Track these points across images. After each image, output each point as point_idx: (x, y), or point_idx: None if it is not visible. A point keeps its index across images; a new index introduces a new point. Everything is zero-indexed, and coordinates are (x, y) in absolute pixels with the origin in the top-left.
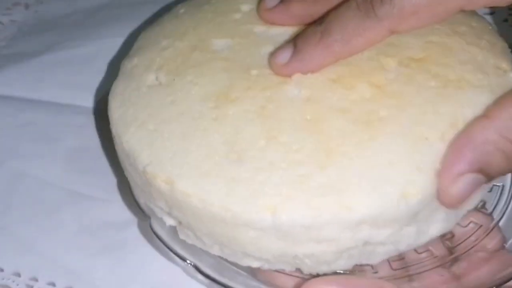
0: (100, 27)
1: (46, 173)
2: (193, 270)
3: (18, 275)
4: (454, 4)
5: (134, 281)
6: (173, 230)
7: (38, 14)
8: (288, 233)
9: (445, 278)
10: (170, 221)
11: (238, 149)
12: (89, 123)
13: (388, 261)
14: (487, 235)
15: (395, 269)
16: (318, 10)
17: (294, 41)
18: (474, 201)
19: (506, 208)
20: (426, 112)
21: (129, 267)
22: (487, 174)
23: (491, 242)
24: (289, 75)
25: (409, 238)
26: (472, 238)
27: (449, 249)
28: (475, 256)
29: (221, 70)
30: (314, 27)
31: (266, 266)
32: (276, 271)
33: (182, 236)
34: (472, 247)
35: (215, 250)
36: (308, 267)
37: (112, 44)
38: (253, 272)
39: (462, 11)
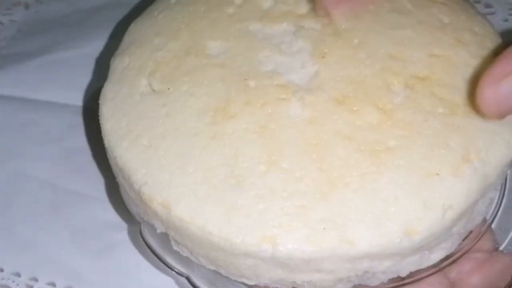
0: (99, 28)
1: (46, 173)
2: (185, 282)
3: (18, 275)
4: None
5: (134, 281)
6: (165, 236)
7: (38, 14)
8: (287, 264)
9: (444, 286)
10: (162, 229)
11: (238, 173)
12: (89, 123)
13: None
14: (481, 237)
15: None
16: None
17: None
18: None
19: (497, 211)
20: (437, 145)
21: (129, 266)
22: None
23: (486, 244)
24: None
25: (410, 265)
26: (466, 241)
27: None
28: (473, 258)
29: (218, 79)
30: None
31: (262, 284)
32: None
33: (175, 248)
34: (469, 249)
35: (211, 267)
36: None
37: (112, 44)
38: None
39: (465, 11)
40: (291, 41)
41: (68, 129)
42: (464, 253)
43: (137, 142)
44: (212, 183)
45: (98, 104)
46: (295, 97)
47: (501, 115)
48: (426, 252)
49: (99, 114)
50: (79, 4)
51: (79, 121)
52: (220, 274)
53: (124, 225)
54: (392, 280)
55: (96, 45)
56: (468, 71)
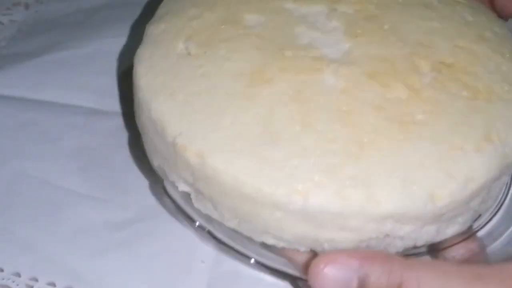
0: (100, 27)
1: (46, 173)
2: (206, 235)
3: (18, 275)
4: None
5: (134, 281)
6: (186, 196)
7: (38, 14)
8: (315, 218)
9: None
10: (184, 188)
11: (273, 130)
12: (89, 123)
13: None
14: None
15: None
16: None
17: None
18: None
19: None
20: (461, 123)
21: (128, 266)
22: None
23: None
24: None
25: (427, 235)
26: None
27: None
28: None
29: (254, 48)
30: None
31: (281, 245)
32: None
33: (197, 205)
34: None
35: (232, 224)
36: (324, 250)
37: (112, 44)
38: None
39: (485, 14)
40: (325, 21)
41: (68, 129)
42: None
43: (172, 97)
44: (247, 137)
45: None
46: (329, 69)
47: None
48: (443, 225)
49: (133, 72)
50: (79, 4)
51: (79, 121)
52: (239, 234)
53: (124, 225)
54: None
55: (96, 45)
56: (489, 64)
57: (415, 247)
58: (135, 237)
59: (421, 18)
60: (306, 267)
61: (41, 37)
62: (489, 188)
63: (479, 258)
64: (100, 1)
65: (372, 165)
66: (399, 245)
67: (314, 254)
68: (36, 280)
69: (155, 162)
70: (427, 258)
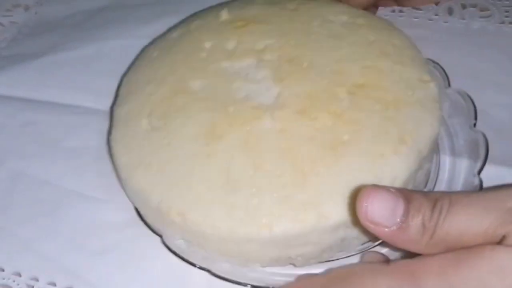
0: (99, 29)
1: (46, 173)
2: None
3: (19, 275)
4: None
5: (134, 281)
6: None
7: (38, 16)
8: (282, 242)
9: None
10: (177, 239)
11: (232, 179)
12: (89, 123)
13: None
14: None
15: None
16: None
17: None
18: None
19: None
20: (379, 134)
21: (128, 266)
22: None
23: None
24: None
25: None
26: None
27: None
28: None
29: (203, 110)
30: None
31: (265, 265)
32: None
33: (191, 251)
34: None
35: (222, 260)
36: (300, 263)
37: (112, 45)
38: None
39: (386, 27)
40: (255, 72)
41: (68, 129)
42: None
43: (148, 170)
44: (214, 189)
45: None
46: (266, 115)
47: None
48: None
49: (111, 153)
50: (79, 5)
51: (79, 122)
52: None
53: (124, 226)
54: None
55: (96, 47)
56: (393, 75)
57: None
58: (135, 237)
59: (332, 49)
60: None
61: (41, 38)
62: (414, 179)
63: None
64: (100, 2)
65: (316, 188)
66: (356, 243)
67: None
68: (37, 279)
69: (149, 220)
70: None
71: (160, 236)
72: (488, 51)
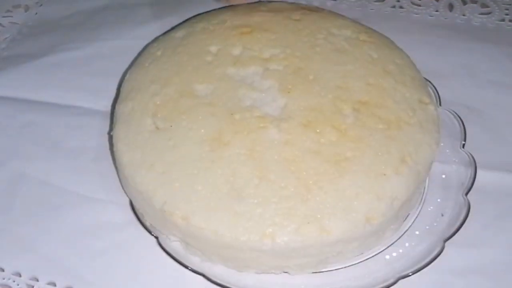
0: (100, 29)
1: (47, 173)
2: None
3: (19, 275)
4: None
5: (134, 281)
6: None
7: (38, 16)
8: (282, 253)
9: None
10: (175, 240)
11: (237, 187)
12: (89, 123)
13: None
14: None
15: None
16: None
17: None
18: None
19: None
20: (381, 153)
21: (128, 267)
22: None
23: None
24: None
25: (370, 245)
26: None
27: None
28: None
29: (209, 115)
30: None
31: (260, 272)
32: None
33: (188, 252)
34: None
35: (219, 263)
36: (294, 271)
37: (112, 45)
38: None
39: (388, 45)
40: (261, 81)
41: (68, 130)
42: None
43: (152, 170)
44: (218, 196)
45: None
46: (272, 125)
47: None
48: (380, 233)
49: (114, 150)
50: (79, 6)
51: (79, 122)
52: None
53: (124, 226)
54: None
55: (96, 47)
56: (396, 95)
57: None
58: (135, 238)
59: (337, 64)
60: None
61: (41, 39)
62: (411, 199)
63: None
64: (99, 3)
65: (319, 203)
66: (350, 256)
67: None
68: (37, 280)
69: (147, 221)
70: None
71: (156, 237)
72: (487, 49)
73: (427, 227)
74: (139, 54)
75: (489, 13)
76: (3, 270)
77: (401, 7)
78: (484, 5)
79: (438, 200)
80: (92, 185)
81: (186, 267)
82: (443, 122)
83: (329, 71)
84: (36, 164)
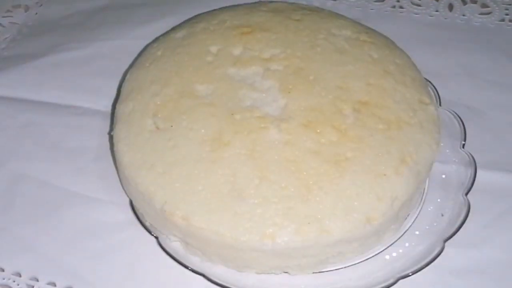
0: (99, 29)
1: (46, 173)
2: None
3: (19, 275)
4: None
5: (133, 281)
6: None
7: (38, 16)
8: (282, 253)
9: None
10: (175, 240)
11: (238, 187)
12: (89, 123)
13: None
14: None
15: None
16: None
17: None
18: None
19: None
20: (381, 153)
21: (128, 267)
22: None
23: None
24: None
25: (371, 245)
26: None
27: None
28: None
29: (209, 115)
30: None
31: (260, 272)
32: None
33: (188, 252)
34: None
35: (219, 263)
36: (295, 272)
37: (112, 45)
38: None
39: (388, 45)
40: (261, 81)
41: (67, 129)
42: None
43: (153, 170)
44: (219, 196)
45: None
46: (272, 125)
47: None
48: (381, 233)
49: (115, 150)
50: (79, 6)
51: (78, 122)
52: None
53: (124, 226)
54: None
55: (95, 47)
56: (396, 95)
57: None
58: (135, 238)
59: (337, 64)
60: None
61: (41, 39)
62: (411, 199)
63: None
64: (99, 3)
65: (319, 203)
66: (350, 256)
67: None
68: (37, 280)
69: (147, 221)
70: None
71: (156, 237)
72: (487, 49)
73: (427, 227)
74: (140, 54)
75: (489, 13)
76: (3, 270)
77: (401, 7)
78: (484, 5)
79: (438, 200)
80: (92, 185)
81: (186, 267)
82: (443, 122)
83: (329, 71)
84: (36, 164)
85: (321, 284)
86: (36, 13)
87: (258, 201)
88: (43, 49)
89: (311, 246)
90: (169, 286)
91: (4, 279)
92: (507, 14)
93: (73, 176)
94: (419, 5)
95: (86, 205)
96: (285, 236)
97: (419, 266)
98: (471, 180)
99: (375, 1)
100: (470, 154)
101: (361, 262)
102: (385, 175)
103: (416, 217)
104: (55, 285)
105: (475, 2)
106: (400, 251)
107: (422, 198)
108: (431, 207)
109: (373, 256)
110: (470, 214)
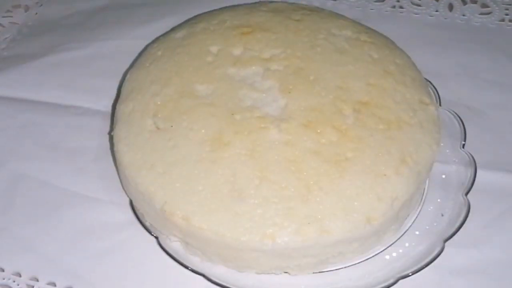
0: (99, 29)
1: (46, 173)
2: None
3: (19, 275)
4: None
5: (134, 281)
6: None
7: (38, 16)
8: (282, 253)
9: None
10: (175, 240)
11: (238, 188)
12: (89, 123)
13: None
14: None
15: None
16: None
17: None
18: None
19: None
20: (381, 153)
21: (128, 267)
22: None
23: None
24: None
25: (371, 245)
26: None
27: None
28: None
29: (209, 115)
30: None
31: (260, 272)
32: None
33: (189, 253)
34: None
35: (220, 263)
36: (295, 272)
37: (112, 45)
38: None
39: (388, 46)
40: (261, 81)
41: (67, 129)
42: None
43: (153, 170)
44: (219, 197)
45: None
46: (273, 125)
47: None
48: (381, 233)
49: (115, 150)
50: (79, 6)
51: (78, 122)
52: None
53: (124, 226)
54: None
55: (95, 47)
56: (396, 95)
57: None
58: (135, 238)
59: (337, 64)
60: None
61: (41, 39)
62: (411, 199)
63: None
64: (99, 3)
65: (319, 203)
66: (350, 256)
67: None
68: (37, 280)
69: (148, 221)
70: None
71: (156, 237)
72: (487, 49)
73: (427, 227)
74: (140, 54)
75: (489, 13)
76: (3, 270)
77: (401, 7)
78: (484, 5)
79: (438, 200)
80: (92, 185)
81: (186, 267)
82: (443, 122)
83: (329, 72)
84: (36, 164)
85: (321, 284)
86: (36, 13)
87: (258, 201)
88: (43, 49)
89: (311, 246)
90: (169, 286)
91: (4, 279)
92: (507, 14)
93: (73, 176)
94: (419, 5)
95: (86, 205)
96: (285, 236)
97: (419, 266)
98: (471, 180)
99: (375, 1)
100: (470, 154)
101: (361, 262)
102: (385, 175)
103: (416, 217)
104: (55, 285)
105: (475, 2)
106: (400, 251)
107: (422, 198)
108: (431, 207)
109: (373, 256)
110: (470, 214)
